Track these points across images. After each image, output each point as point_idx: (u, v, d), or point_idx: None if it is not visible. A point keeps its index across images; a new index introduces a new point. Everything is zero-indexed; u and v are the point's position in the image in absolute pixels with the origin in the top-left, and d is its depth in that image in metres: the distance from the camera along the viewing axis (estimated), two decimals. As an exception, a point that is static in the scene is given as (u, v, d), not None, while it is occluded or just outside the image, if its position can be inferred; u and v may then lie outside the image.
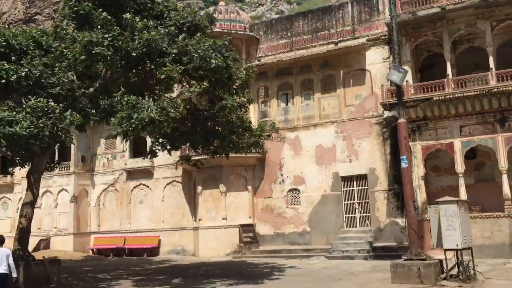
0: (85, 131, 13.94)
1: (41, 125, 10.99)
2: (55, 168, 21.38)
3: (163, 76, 11.47)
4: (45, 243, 24.03)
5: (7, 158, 27.63)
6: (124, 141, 24.07)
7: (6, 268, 9.37)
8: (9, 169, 17.66)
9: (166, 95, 14.17)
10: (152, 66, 12.51)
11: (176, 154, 22.16)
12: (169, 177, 23.65)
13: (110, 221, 24.72)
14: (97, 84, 13.58)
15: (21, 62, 11.96)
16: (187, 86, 14.56)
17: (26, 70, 11.68)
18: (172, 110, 11.15)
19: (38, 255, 16.32)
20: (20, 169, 19.43)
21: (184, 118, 12.91)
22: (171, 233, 23.16)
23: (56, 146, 18.38)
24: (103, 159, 25.53)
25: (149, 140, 23.71)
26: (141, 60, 12.24)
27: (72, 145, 24.46)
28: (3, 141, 10.25)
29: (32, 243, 21.41)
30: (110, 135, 25.34)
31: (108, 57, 11.18)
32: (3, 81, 11.44)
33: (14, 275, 9.49)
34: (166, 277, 14.67)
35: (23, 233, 14.48)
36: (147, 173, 24.16)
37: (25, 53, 12.66)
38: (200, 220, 21.53)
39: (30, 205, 14.82)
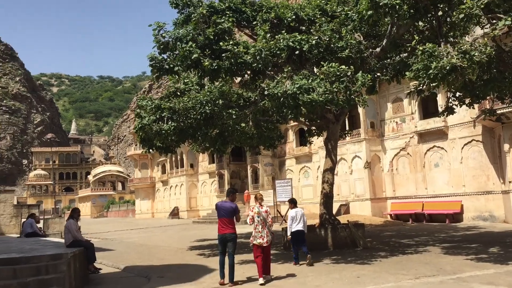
0: (376, 93, 13.40)
1: (335, 89, 10.92)
2: (346, 136, 22.02)
3: (461, 15, 9.85)
4: (344, 208, 25.15)
5: (304, 130, 30.18)
6: (415, 101, 23.08)
7: (302, 225, 10.97)
8: (308, 139, 18.67)
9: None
10: (446, 8, 10.97)
11: (473, 112, 19.88)
12: (466, 137, 21.34)
13: (405, 186, 24.05)
14: (384, 42, 12.91)
15: (311, 30, 12.20)
16: (487, 26, 12.44)
17: (316, 38, 11.84)
18: (476, 54, 9.46)
19: (341, 220, 16.89)
20: (317, 138, 20.58)
21: (489, 62, 10.94)
22: (474, 198, 20.92)
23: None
24: (391, 123, 24.96)
25: (440, 98, 21.99)
26: (432, 4, 10.87)
27: (361, 112, 24.74)
28: (302, 109, 10.59)
29: (333, 208, 22.50)
30: (397, 98, 24.59)
31: (397, 7, 10.23)
32: (297, 52, 11.86)
33: (305, 231, 11.18)
34: (479, 245, 13.05)
35: (326, 198, 15.14)
36: (440, 134, 22.41)
37: (313, 23, 12.91)
38: (510, 182, 18.66)
39: (330, 171, 15.37)
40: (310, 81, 10.92)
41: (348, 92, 11.43)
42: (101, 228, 34.31)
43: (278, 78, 11.06)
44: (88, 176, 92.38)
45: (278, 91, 10.38)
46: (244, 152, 35.62)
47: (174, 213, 42.35)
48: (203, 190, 41.36)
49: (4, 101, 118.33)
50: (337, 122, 15.51)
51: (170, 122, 13.54)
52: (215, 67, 11.02)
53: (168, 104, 13.51)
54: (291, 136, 32.02)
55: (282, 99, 10.39)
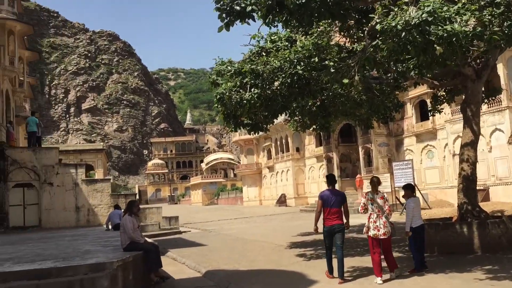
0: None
1: (487, 17, 7.08)
2: (483, 104, 17.38)
3: None
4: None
5: (424, 103, 25.52)
6: None
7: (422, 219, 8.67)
8: (435, 108, 14.38)
9: None
10: None
11: None
12: None
13: None
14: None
15: None
16: None
17: None
18: None
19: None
20: (448, 106, 16.38)
21: None
22: None
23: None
24: (545, 85, 19.52)
25: None
26: None
27: (501, 73, 19.74)
28: (437, 48, 6.89)
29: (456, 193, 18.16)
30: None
31: None
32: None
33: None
34: None
35: (468, 182, 11.14)
36: None
37: None
38: None
39: (471, 146, 11.34)
40: (445, 8, 7.18)
41: (507, 23, 7.51)
42: (205, 217, 32.97)
43: (396, 8, 7.45)
44: (201, 164, 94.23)
45: (397, 23, 6.83)
46: (354, 132, 31.78)
47: (281, 201, 39.79)
48: (310, 176, 38.16)
49: (125, 95, 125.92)
50: (479, 80, 11.34)
51: (253, 89, 10.61)
52: (302, 2, 7.75)
53: (249, 65, 10.58)
54: (410, 110, 27.38)
55: (404, 34, 6.81)
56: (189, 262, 12.19)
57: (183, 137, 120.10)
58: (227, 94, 10.68)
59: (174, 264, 12.43)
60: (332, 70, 8.38)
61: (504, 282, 7.21)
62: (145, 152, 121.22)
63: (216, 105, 11.46)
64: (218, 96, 10.97)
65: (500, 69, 19.63)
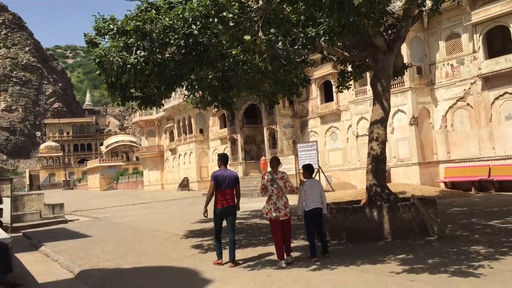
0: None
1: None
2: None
3: None
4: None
5: (329, 83, 25.10)
6: (478, 35, 17.85)
7: (320, 203, 7.89)
8: (342, 83, 13.37)
9: None
10: None
11: None
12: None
13: (464, 146, 18.98)
14: None
15: None
16: None
17: None
18: None
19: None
20: (349, 91, 15.65)
21: None
22: None
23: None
24: (444, 67, 19.64)
25: (516, 27, 16.74)
26: None
27: (404, 54, 19.61)
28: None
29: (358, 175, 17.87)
30: (452, 34, 19.29)
31: None
32: None
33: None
34: None
35: (377, 162, 10.34)
36: (514, 76, 17.19)
37: None
38: None
39: (381, 123, 10.54)
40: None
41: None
42: (99, 203, 30.34)
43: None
44: (101, 147, 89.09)
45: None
46: (259, 113, 30.83)
47: (184, 185, 38.01)
48: (214, 158, 36.74)
49: (14, 72, 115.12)
50: (390, 52, 10.52)
51: (139, 52, 8.83)
52: None
53: (134, 22, 8.75)
54: (315, 91, 26.84)
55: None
56: (63, 259, 10.17)
57: (82, 119, 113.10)
58: (107, 56, 8.79)
59: (44, 262, 10.36)
60: (232, 24, 6.85)
61: (423, 275, 6.26)
62: (38, 134, 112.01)
63: (97, 71, 9.51)
64: (97, 60, 9.03)
65: (404, 49, 19.46)
